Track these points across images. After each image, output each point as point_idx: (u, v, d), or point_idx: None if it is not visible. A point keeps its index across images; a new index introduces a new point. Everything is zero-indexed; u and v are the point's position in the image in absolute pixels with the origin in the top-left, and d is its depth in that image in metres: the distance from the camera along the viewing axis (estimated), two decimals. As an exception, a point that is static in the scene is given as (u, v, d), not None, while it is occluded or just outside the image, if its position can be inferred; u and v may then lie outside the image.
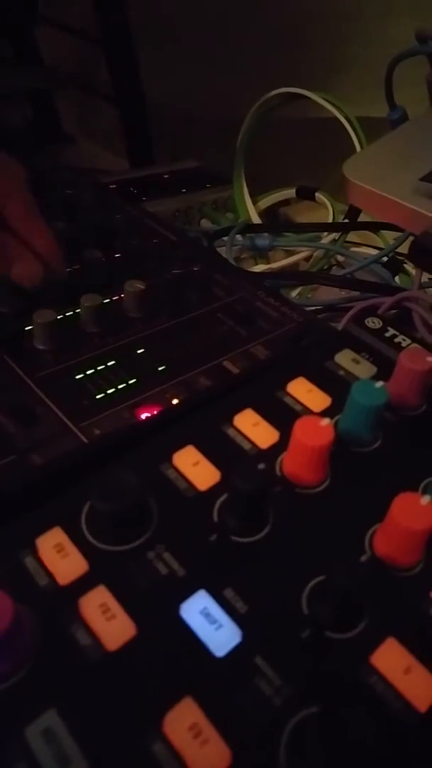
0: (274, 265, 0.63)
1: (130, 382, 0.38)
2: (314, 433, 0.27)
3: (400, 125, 0.40)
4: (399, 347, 0.36)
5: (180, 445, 0.30)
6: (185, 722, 0.21)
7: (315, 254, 0.64)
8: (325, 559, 0.26)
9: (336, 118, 0.64)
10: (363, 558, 0.24)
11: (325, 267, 0.64)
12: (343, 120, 0.63)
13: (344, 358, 0.35)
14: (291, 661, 0.23)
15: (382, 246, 0.63)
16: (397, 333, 0.36)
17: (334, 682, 0.23)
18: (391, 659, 0.23)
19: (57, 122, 0.88)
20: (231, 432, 0.31)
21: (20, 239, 0.41)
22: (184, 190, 0.72)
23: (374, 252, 0.62)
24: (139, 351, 0.40)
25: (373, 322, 0.37)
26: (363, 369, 0.35)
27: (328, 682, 0.23)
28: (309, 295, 0.60)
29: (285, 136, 0.72)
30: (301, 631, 0.24)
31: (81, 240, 0.51)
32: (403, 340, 0.36)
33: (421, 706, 0.22)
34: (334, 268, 0.65)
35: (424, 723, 0.22)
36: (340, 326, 0.41)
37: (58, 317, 0.42)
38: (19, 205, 0.42)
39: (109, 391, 0.37)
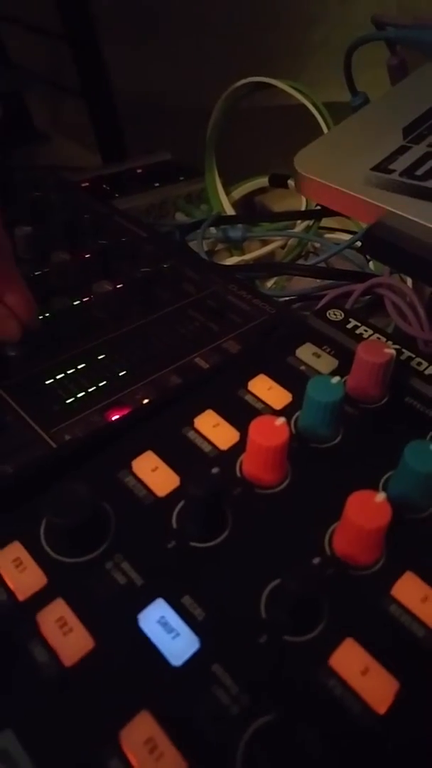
0: (249, 256, 0.62)
1: (101, 384, 0.38)
2: (269, 433, 0.27)
3: (357, 112, 0.39)
4: (361, 339, 0.35)
5: (139, 451, 0.30)
6: (141, 736, 0.21)
7: (289, 242, 0.63)
8: (285, 561, 0.26)
9: (304, 105, 0.63)
10: (320, 558, 0.24)
11: (303, 254, 0.63)
12: (310, 107, 0.62)
13: (305, 353, 0.35)
14: (249, 668, 0.23)
15: (356, 230, 0.63)
16: (359, 324, 0.36)
17: (293, 687, 0.23)
18: (349, 660, 0.23)
19: (29, 121, 0.87)
20: (191, 435, 0.31)
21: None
22: (157, 184, 0.72)
23: (349, 237, 0.61)
24: (109, 352, 0.40)
25: (334, 314, 0.36)
26: (324, 363, 0.34)
27: (287, 687, 0.23)
28: (284, 285, 0.59)
29: (256, 125, 0.71)
30: (259, 636, 0.24)
31: (49, 242, 0.50)
32: (365, 331, 0.36)
33: (380, 708, 0.22)
34: (310, 255, 0.64)
35: (383, 725, 0.22)
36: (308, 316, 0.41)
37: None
38: (3, 274, 0.38)
39: (79, 395, 0.37)
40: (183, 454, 0.30)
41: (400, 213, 0.32)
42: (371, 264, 0.57)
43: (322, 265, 0.55)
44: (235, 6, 0.73)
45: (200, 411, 0.32)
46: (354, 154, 0.36)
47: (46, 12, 0.76)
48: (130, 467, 0.30)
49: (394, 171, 0.34)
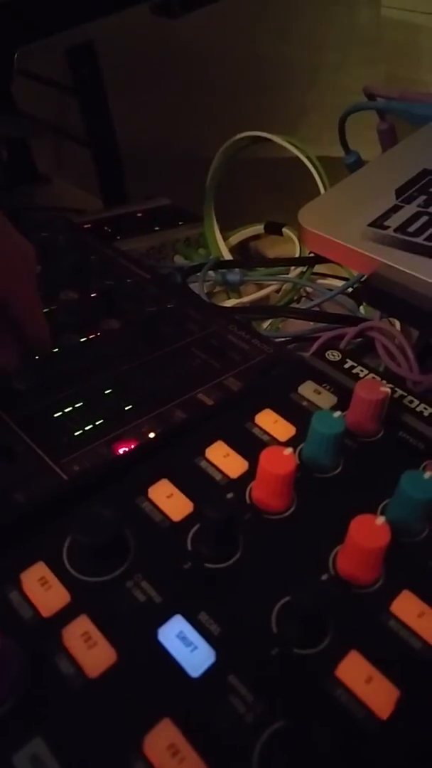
0: (246, 299, 0.66)
1: (108, 417, 0.39)
2: (278, 462, 0.30)
3: (354, 172, 0.43)
4: (357, 378, 0.38)
5: (154, 479, 0.32)
6: (164, 742, 0.23)
7: (284, 287, 0.66)
8: (293, 580, 0.28)
9: (299, 158, 0.67)
10: (325, 577, 0.26)
11: (295, 298, 0.67)
12: (305, 160, 0.66)
13: (307, 389, 0.38)
14: (262, 678, 0.25)
15: (347, 277, 0.66)
16: (355, 364, 0.39)
17: (303, 696, 0.25)
18: (354, 671, 0.25)
19: (32, 163, 0.91)
20: (203, 464, 0.33)
21: (9, 323, 0.39)
22: (157, 228, 0.75)
23: (340, 283, 0.64)
24: (116, 387, 0.42)
25: (333, 355, 0.40)
26: (324, 399, 0.37)
27: (298, 695, 0.25)
28: (279, 327, 0.62)
29: (252, 175, 0.76)
30: (271, 649, 0.26)
31: (57, 281, 0.53)
32: (361, 371, 0.39)
33: (383, 714, 0.24)
34: (303, 299, 0.68)
35: (385, 729, 0.24)
36: (307, 356, 0.43)
37: (36, 357, 0.44)
38: (29, 294, 0.39)
39: (87, 428, 0.38)
40: (196, 481, 0.32)
41: (395, 265, 0.36)
42: (362, 308, 0.61)
43: (317, 308, 0.59)
44: (236, 66, 0.78)
45: (211, 442, 0.34)
46: (352, 211, 0.39)
47: (55, 66, 0.80)
48: (146, 494, 0.32)
49: (389, 227, 0.38)
